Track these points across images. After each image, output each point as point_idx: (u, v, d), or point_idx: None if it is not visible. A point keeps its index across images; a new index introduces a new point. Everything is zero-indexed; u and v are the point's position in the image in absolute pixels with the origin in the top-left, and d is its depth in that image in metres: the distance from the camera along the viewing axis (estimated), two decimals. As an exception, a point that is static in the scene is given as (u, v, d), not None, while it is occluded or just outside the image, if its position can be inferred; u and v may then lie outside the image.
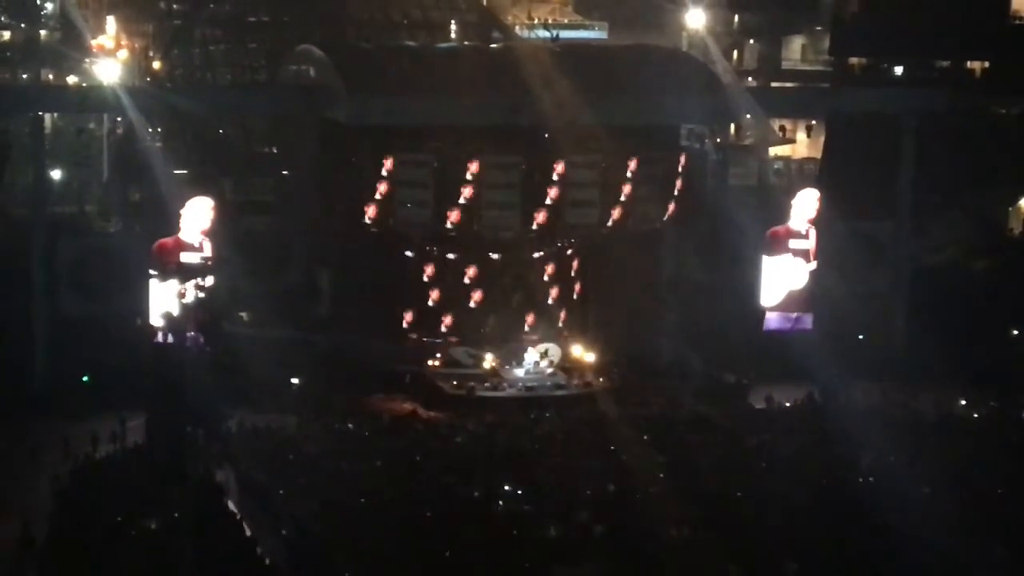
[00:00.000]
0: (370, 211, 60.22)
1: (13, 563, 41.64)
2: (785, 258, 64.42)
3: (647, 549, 42.02)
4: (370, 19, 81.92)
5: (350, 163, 60.65)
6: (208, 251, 58.34)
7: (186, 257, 58.20)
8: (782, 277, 64.52)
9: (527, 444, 51.38)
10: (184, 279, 58.20)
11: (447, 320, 61.81)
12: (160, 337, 57.21)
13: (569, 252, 63.13)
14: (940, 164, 67.24)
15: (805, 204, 64.76)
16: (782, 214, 64.91)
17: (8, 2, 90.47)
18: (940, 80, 77.06)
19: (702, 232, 64.77)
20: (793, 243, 64.56)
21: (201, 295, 58.07)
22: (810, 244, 64.44)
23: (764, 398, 58.58)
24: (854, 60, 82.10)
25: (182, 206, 58.20)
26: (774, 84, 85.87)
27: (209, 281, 58.23)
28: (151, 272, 57.94)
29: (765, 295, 64.55)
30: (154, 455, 49.16)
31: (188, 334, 56.91)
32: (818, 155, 76.61)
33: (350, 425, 53.97)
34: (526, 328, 62.13)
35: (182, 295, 57.99)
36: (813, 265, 64.45)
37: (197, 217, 58.39)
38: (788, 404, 57.87)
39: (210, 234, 58.45)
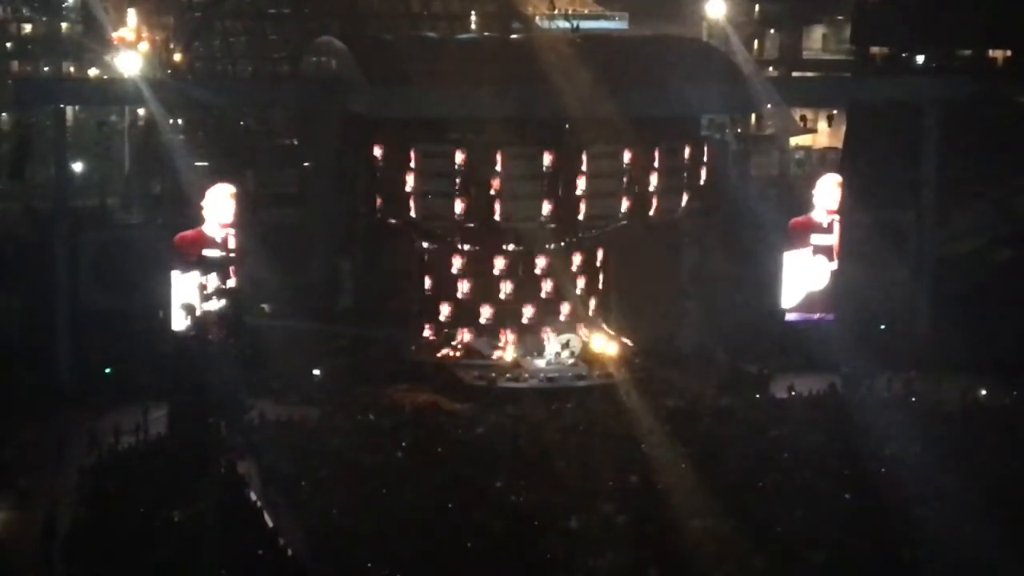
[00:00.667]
0: (391, 202, 60.22)
1: (38, 554, 41.78)
2: (806, 255, 63.95)
3: (670, 540, 41.99)
4: (391, 10, 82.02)
5: (371, 155, 60.62)
6: (231, 244, 58.31)
7: (208, 251, 58.19)
8: (803, 277, 64.01)
9: (549, 435, 51.35)
10: (206, 271, 58.17)
11: (469, 311, 61.71)
12: (182, 329, 57.22)
13: (591, 243, 63.04)
14: (963, 153, 67.00)
15: (826, 191, 64.44)
16: (804, 204, 64.69)
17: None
18: (962, 69, 76.83)
19: (724, 222, 64.63)
20: (815, 238, 64.06)
21: (223, 287, 58.07)
22: (832, 239, 64.06)
23: (786, 388, 58.46)
24: (875, 49, 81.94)
25: (203, 198, 58.22)
26: (795, 74, 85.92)
27: (231, 273, 58.24)
28: (173, 264, 58.03)
29: (786, 295, 64.13)
30: (177, 447, 49.26)
31: (210, 326, 56.91)
32: (839, 145, 76.48)
33: (372, 416, 54.03)
34: (547, 319, 61.98)
35: (204, 288, 57.98)
36: (835, 265, 64.00)
37: (219, 207, 58.34)
38: (810, 394, 57.78)
39: (233, 226, 58.44)
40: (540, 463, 47.87)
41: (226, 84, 71.38)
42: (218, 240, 58.05)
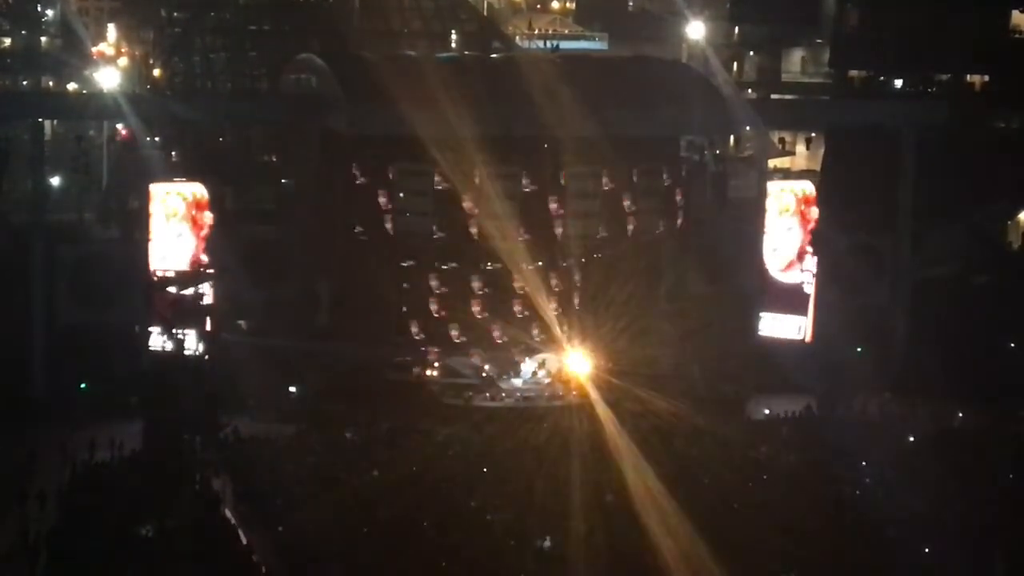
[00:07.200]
0: (369, 220, 60.19)
1: (12, 569, 41.59)
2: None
3: (644, 561, 41.98)
4: (371, 29, 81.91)
5: (350, 172, 60.61)
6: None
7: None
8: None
9: (524, 454, 51.30)
10: (182, 287, 58.09)
11: (446, 330, 61.62)
12: (158, 345, 57.12)
13: (568, 263, 63.01)
14: (939, 177, 67.20)
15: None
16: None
17: (9, 9, 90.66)
18: (940, 93, 77.25)
19: (701, 243, 64.72)
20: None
21: (200, 303, 58.02)
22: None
23: (762, 410, 58.51)
24: (854, 73, 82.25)
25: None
26: (774, 96, 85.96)
27: (207, 289, 58.17)
28: (150, 279, 57.94)
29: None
30: (151, 462, 49.14)
31: (186, 342, 56.83)
32: (817, 167, 76.61)
33: (348, 434, 53.93)
34: (525, 338, 61.93)
35: (180, 303, 57.89)
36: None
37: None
38: (786, 416, 57.84)
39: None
40: (515, 482, 47.84)
41: (205, 100, 71.17)
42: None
